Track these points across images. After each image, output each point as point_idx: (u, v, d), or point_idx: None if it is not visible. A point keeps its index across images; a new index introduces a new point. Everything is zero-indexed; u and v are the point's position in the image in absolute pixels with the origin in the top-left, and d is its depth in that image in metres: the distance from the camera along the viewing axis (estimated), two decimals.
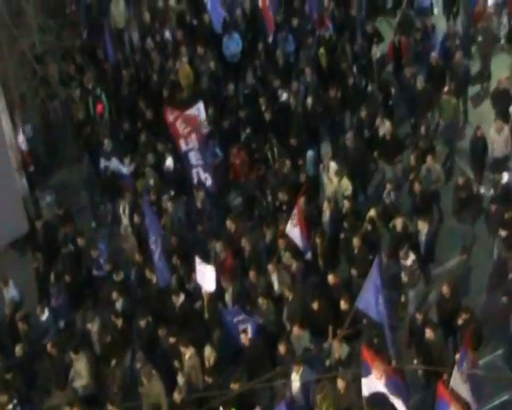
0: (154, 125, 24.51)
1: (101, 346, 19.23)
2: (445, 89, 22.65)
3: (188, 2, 28.39)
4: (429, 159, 20.94)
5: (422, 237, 19.61)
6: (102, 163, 23.63)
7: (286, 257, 19.80)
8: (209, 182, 22.24)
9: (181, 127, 22.32)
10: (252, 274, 19.38)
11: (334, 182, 21.57)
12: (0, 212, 22.67)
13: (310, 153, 22.80)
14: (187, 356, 17.81)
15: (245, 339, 18.06)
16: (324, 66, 24.88)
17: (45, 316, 20.03)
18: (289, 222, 19.90)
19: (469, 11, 25.49)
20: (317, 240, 19.88)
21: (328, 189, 21.79)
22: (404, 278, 19.03)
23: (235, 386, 17.14)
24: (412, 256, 19.01)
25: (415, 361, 17.77)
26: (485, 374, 17.22)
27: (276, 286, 19.41)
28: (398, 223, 19.76)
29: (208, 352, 18.34)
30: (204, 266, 18.81)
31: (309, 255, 20.09)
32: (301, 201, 20.15)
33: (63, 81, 26.80)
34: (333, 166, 21.81)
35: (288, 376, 17.64)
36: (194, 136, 22.24)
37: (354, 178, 21.75)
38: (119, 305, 19.91)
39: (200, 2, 27.54)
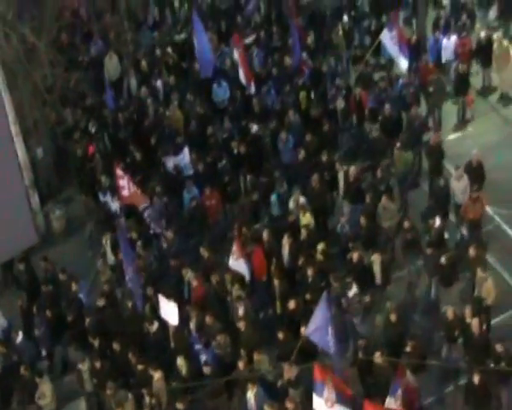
0: (142, 166, 24.65)
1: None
2: (398, 144, 22.71)
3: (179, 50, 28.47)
4: (384, 198, 21.36)
5: (377, 267, 20.05)
6: (101, 198, 23.95)
7: (235, 289, 20.06)
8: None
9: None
10: (208, 319, 19.33)
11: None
12: (11, 225, 23.21)
13: (273, 196, 22.84)
14: (155, 378, 18.26)
15: (206, 370, 18.46)
16: (304, 109, 25.05)
17: (19, 339, 20.65)
18: (230, 257, 20.32)
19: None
20: (275, 281, 20.14)
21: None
22: (344, 305, 19.52)
23: (180, 405, 17.77)
24: (355, 289, 19.48)
25: None
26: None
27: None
28: (355, 255, 20.14)
29: (180, 361, 18.84)
30: (167, 302, 19.15)
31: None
32: (241, 238, 20.66)
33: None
34: (302, 200, 22.11)
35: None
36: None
37: (317, 214, 21.99)
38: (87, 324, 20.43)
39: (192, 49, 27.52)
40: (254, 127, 24.86)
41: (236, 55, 25.97)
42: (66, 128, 26.85)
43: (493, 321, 19.84)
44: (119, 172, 22.48)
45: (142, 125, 25.94)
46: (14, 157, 24.36)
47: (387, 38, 24.91)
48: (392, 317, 18.83)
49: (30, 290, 22.31)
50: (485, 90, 26.39)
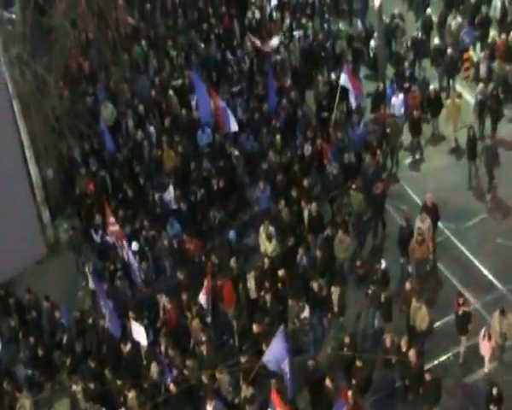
0: (133, 202, 24.75)
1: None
2: (353, 185, 23.01)
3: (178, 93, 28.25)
4: (340, 232, 21.77)
5: (335, 297, 20.44)
6: (94, 235, 24.09)
7: (195, 322, 20.30)
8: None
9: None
10: (171, 351, 19.55)
11: (266, 244, 22.25)
12: (20, 239, 23.42)
13: (231, 233, 23.12)
14: (129, 397, 18.66)
15: (172, 388, 18.82)
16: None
17: None
18: (200, 293, 20.60)
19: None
20: (234, 321, 20.45)
21: (262, 247, 22.49)
22: (297, 324, 20.04)
23: None
24: (306, 312, 20.06)
25: None
26: None
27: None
28: (315, 284, 20.57)
29: (153, 368, 19.36)
30: (137, 325, 19.56)
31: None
32: (209, 277, 20.73)
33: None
34: (271, 229, 22.30)
35: None
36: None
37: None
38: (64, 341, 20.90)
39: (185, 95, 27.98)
40: (236, 152, 25.24)
41: (213, 105, 26.13)
42: (71, 156, 27.16)
43: (440, 322, 20.73)
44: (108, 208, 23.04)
45: (136, 165, 26.05)
46: (27, 177, 24.95)
47: (345, 79, 25.85)
48: (346, 339, 19.26)
49: (18, 318, 22.50)
50: (435, 139, 26.80)
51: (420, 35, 29.00)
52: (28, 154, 25.03)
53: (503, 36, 27.88)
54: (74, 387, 19.74)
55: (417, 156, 26.09)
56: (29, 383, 21.05)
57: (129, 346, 20.10)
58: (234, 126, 25.73)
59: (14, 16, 26.84)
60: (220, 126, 25.92)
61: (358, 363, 18.66)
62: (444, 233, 23.17)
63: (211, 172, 24.87)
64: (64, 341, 21.03)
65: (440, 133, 26.81)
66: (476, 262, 22.33)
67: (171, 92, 28.25)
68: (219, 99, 26.08)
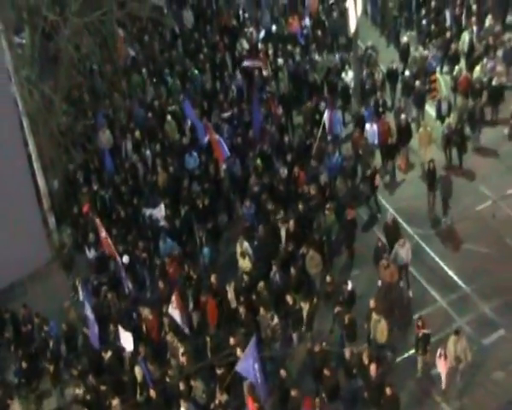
0: (125, 222, 25.09)
1: None
2: (328, 206, 23.22)
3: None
4: (311, 250, 21.88)
5: (304, 313, 20.64)
6: (87, 251, 24.57)
7: (170, 335, 20.49)
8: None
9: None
10: (150, 366, 19.63)
11: (240, 261, 22.48)
12: (25, 245, 23.88)
13: (205, 250, 23.21)
14: (113, 405, 18.91)
15: (152, 393, 19.13)
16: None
17: None
18: (170, 305, 20.56)
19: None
20: (207, 339, 20.44)
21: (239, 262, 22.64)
22: (268, 332, 20.22)
23: None
24: (276, 320, 20.27)
25: None
26: None
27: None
28: (289, 299, 20.73)
29: (137, 370, 19.63)
30: (124, 332, 19.83)
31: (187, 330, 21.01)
32: (178, 290, 20.86)
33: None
34: (245, 244, 22.52)
35: None
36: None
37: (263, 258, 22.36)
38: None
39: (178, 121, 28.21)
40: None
41: (209, 136, 26.32)
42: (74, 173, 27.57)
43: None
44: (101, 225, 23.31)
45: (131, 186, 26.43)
46: (35, 187, 25.58)
47: (327, 116, 26.44)
48: (317, 347, 19.47)
49: (13, 330, 22.91)
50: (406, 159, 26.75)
51: (395, 66, 28.85)
52: (36, 166, 25.55)
53: (465, 72, 27.83)
54: (77, 390, 20.00)
55: (390, 171, 26.36)
56: (19, 391, 21.42)
57: (109, 353, 20.37)
58: (228, 153, 25.96)
59: (23, 41, 27.38)
60: (219, 157, 26.07)
61: (326, 372, 18.85)
62: (413, 238, 23.61)
63: (199, 193, 25.01)
64: (50, 348, 21.39)
65: (412, 152, 26.82)
66: (442, 264, 22.89)
67: (169, 118, 28.37)
68: (213, 131, 26.21)
